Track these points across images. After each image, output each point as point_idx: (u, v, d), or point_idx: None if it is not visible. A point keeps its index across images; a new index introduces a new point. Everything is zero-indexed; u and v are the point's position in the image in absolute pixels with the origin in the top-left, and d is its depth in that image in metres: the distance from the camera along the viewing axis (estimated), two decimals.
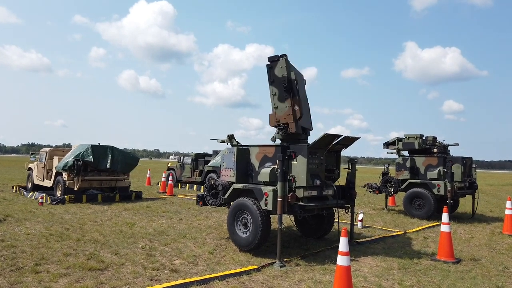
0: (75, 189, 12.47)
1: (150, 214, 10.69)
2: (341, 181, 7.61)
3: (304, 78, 8.06)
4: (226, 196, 7.12)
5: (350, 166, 7.73)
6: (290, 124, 6.95)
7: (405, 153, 12.87)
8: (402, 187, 12.02)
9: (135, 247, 6.95)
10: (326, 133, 6.55)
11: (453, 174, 11.00)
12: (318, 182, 6.64)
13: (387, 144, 13.59)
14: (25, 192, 14.18)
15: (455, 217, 11.83)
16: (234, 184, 7.05)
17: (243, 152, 7.22)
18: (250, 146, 7.36)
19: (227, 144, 7.68)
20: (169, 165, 21.40)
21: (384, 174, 12.65)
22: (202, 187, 16.88)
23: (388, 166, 13.20)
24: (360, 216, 9.70)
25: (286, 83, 6.88)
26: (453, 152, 13.18)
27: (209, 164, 17.85)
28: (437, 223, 10.43)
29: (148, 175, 21.95)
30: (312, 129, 7.91)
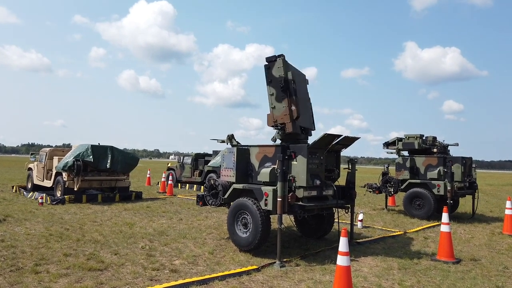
0: (75, 189, 12.47)
1: (150, 214, 10.69)
2: (341, 181, 7.61)
3: (307, 78, 8.09)
4: (226, 196, 7.12)
5: (350, 166, 7.73)
6: (287, 124, 6.96)
7: (405, 153, 12.87)
8: (402, 187, 12.02)
9: (135, 247, 6.95)
10: (326, 133, 6.55)
11: (453, 174, 11.00)
12: (318, 182, 6.64)
13: (387, 144, 13.60)
14: (25, 192, 14.17)
15: (455, 217, 11.83)
16: (234, 184, 7.05)
17: (243, 152, 7.22)
18: (250, 146, 7.36)
19: (227, 144, 7.68)
20: (169, 165, 21.40)
21: (384, 174, 12.65)
22: (202, 187, 16.88)
23: (388, 166, 13.21)
24: (360, 216, 9.70)
25: (282, 83, 6.89)
26: (453, 152, 13.19)
27: (209, 164, 17.85)
28: (437, 223, 10.43)
29: (148, 175, 21.94)
30: (314, 129, 7.92)
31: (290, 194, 6.27)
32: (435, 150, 12.47)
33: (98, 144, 13.38)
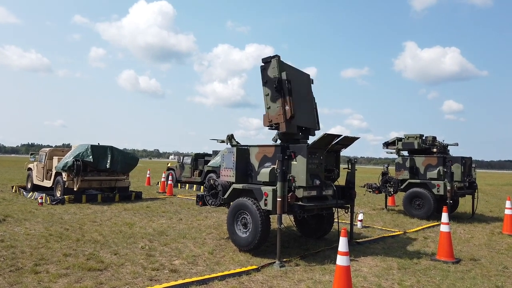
0: (75, 189, 12.46)
1: (149, 214, 10.68)
2: (341, 181, 7.61)
3: (311, 78, 8.12)
4: (225, 196, 7.12)
5: (349, 166, 7.73)
6: (281, 124, 6.98)
7: (405, 153, 12.87)
8: (402, 187, 12.02)
9: (135, 247, 6.95)
10: (325, 133, 6.56)
11: (453, 174, 11.00)
12: (317, 182, 6.64)
13: (386, 144, 13.60)
14: (24, 192, 14.17)
15: (454, 217, 11.83)
16: (233, 184, 7.05)
17: (242, 152, 7.22)
18: (250, 146, 7.36)
19: (227, 144, 7.68)
20: (168, 165, 21.39)
21: (384, 174, 12.66)
22: (201, 187, 16.87)
23: (388, 166, 13.21)
24: (360, 216, 9.70)
25: (276, 83, 6.92)
26: (453, 152, 13.20)
27: (208, 164, 17.84)
28: (437, 223, 10.43)
29: (147, 175, 21.94)
30: (318, 129, 7.93)
31: (290, 194, 6.27)
32: (434, 150, 12.47)
33: (97, 144, 13.38)
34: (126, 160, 13.71)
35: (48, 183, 13.74)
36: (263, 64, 7.25)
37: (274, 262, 6.10)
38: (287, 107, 6.85)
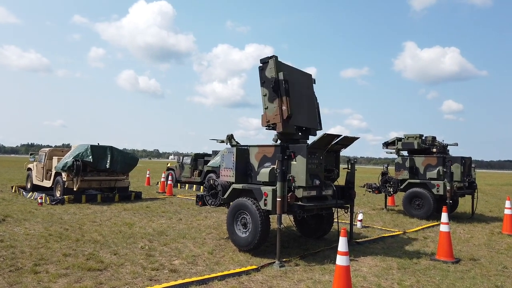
0: (75, 189, 12.45)
1: (149, 214, 10.68)
2: (341, 181, 7.61)
3: (314, 77, 8.13)
4: (225, 196, 7.12)
5: (349, 166, 7.73)
6: (278, 124, 6.99)
7: (405, 153, 12.88)
8: (402, 187, 12.03)
9: (135, 247, 6.95)
10: (325, 133, 6.57)
11: (453, 174, 11.01)
12: (317, 182, 6.64)
13: (386, 144, 13.60)
14: (24, 193, 14.16)
15: (454, 217, 11.84)
16: (233, 184, 7.05)
17: (242, 152, 7.22)
18: (250, 146, 7.36)
19: (227, 144, 7.68)
20: (168, 165, 21.39)
21: (384, 174, 12.66)
22: (201, 187, 16.87)
23: (388, 166, 13.21)
24: (360, 216, 9.70)
25: (273, 84, 6.93)
26: (453, 152, 13.21)
27: (208, 164, 17.84)
28: (437, 223, 10.44)
29: (147, 175, 21.93)
30: (319, 129, 7.92)
31: (290, 194, 6.27)
32: (434, 150, 12.48)
33: (97, 144, 13.37)
34: (126, 160, 13.71)
35: (47, 183, 13.74)
36: (261, 64, 7.28)
37: (274, 262, 6.10)
38: (284, 107, 6.86)
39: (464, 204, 14.75)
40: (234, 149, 7.16)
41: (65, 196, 12.25)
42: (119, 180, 13.81)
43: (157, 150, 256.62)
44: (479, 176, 44.34)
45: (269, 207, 6.29)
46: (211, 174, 17.16)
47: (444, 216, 6.85)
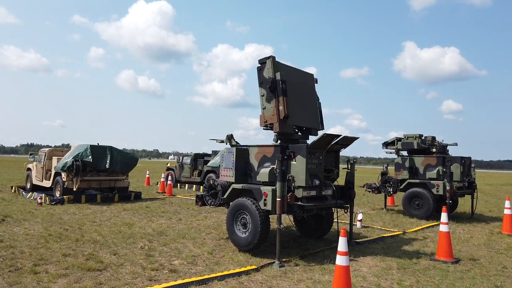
0: (74, 189, 12.45)
1: (149, 215, 10.68)
2: (340, 181, 7.61)
3: (315, 77, 8.15)
4: (225, 196, 7.12)
5: (349, 166, 7.73)
6: (275, 124, 6.99)
7: (404, 153, 12.88)
8: (401, 187, 12.03)
9: (134, 247, 6.95)
10: (325, 133, 6.57)
11: (452, 174, 11.01)
12: (317, 182, 6.64)
13: (386, 144, 13.61)
14: (24, 193, 14.15)
15: (454, 217, 11.84)
16: (233, 184, 7.05)
17: (242, 152, 7.22)
18: (249, 146, 7.36)
19: (226, 144, 7.68)
20: (168, 165, 21.38)
21: (383, 174, 12.66)
22: (201, 187, 16.87)
23: (387, 166, 13.22)
24: (359, 216, 9.71)
25: (270, 84, 6.94)
26: (452, 152, 13.21)
27: (208, 164, 17.84)
28: (436, 223, 10.44)
29: (147, 175, 21.92)
30: (321, 128, 7.92)
31: (289, 194, 6.27)
32: (434, 150, 12.48)
33: (97, 144, 13.37)
34: (126, 160, 13.70)
35: (47, 183, 13.73)
36: (259, 65, 7.30)
37: (274, 262, 6.10)
38: (280, 107, 6.87)
39: (464, 204, 14.76)
40: (234, 149, 7.16)
41: (64, 196, 12.25)
42: (118, 180, 13.80)
43: (157, 150, 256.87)
44: (478, 176, 44.35)
45: (268, 207, 6.29)
46: (211, 174, 17.16)
47: (444, 216, 6.85)
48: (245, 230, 6.71)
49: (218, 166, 15.55)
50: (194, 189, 18.31)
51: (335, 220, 7.94)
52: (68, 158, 12.58)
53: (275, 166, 6.57)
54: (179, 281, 5.10)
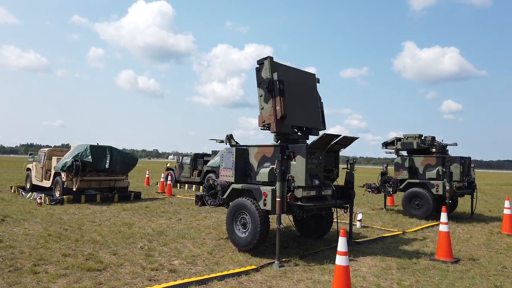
0: (74, 189, 12.45)
1: (149, 215, 10.68)
2: (340, 181, 7.61)
3: (317, 77, 8.16)
4: (225, 196, 7.12)
5: (348, 166, 7.73)
6: (272, 124, 7.00)
7: (404, 153, 12.88)
8: (401, 187, 12.03)
9: (134, 247, 6.94)
10: (325, 133, 6.57)
11: (452, 174, 11.01)
12: (317, 182, 6.64)
13: (386, 144, 13.61)
14: (23, 193, 14.15)
15: (453, 217, 11.84)
16: (233, 184, 7.05)
17: (242, 152, 7.22)
18: (249, 146, 7.36)
19: (226, 144, 7.67)
20: (168, 165, 21.38)
21: (383, 174, 12.66)
22: (201, 187, 16.86)
23: (387, 166, 13.21)
24: (359, 216, 9.71)
25: (267, 84, 6.95)
26: (452, 151, 13.24)
27: (208, 164, 17.84)
28: (436, 222, 10.44)
29: (147, 175, 21.92)
30: (321, 128, 7.91)
31: (289, 194, 6.27)
32: (433, 150, 12.48)
33: (97, 144, 13.36)
34: (125, 160, 13.70)
35: (47, 183, 13.72)
36: (257, 65, 7.31)
37: (273, 262, 6.10)
38: (277, 107, 6.88)
39: (464, 204, 14.76)
40: (234, 149, 7.17)
41: (64, 196, 12.24)
42: (118, 180, 13.80)
43: (157, 150, 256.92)
44: (478, 176, 44.36)
45: (268, 207, 6.29)
46: (211, 174, 17.16)
47: (444, 216, 6.85)
48: (244, 230, 6.71)
49: (217, 166, 15.54)
50: (193, 189, 18.31)
51: (335, 220, 7.94)
52: (67, 158, 12.58)
53: (274, 166, 6.57)
54: (179, 281, 5.10)
